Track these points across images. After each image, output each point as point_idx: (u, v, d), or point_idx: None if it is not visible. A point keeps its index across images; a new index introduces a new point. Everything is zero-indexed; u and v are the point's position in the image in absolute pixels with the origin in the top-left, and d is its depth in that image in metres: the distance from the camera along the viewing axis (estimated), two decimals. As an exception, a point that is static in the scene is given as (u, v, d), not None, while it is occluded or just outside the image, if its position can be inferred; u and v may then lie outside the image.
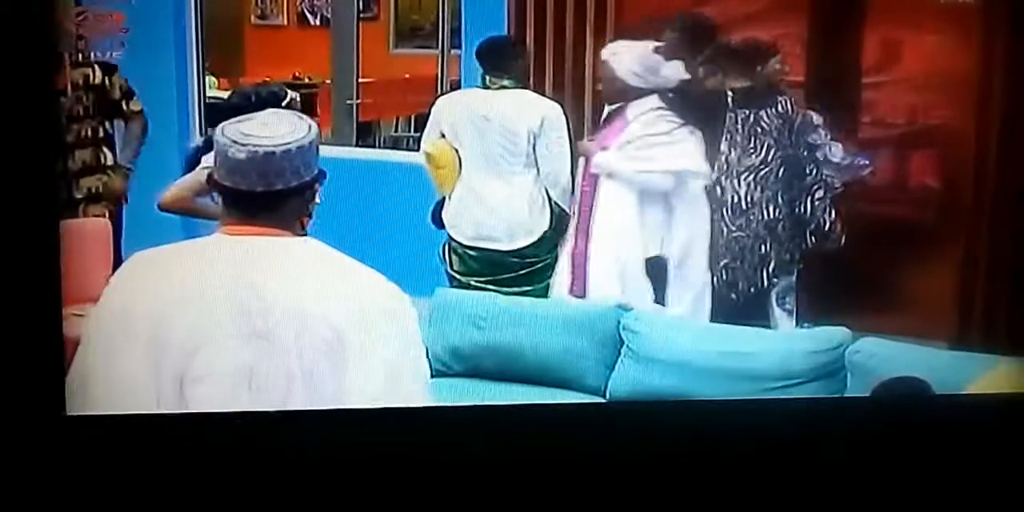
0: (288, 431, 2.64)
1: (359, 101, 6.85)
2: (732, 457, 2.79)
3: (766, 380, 3.64)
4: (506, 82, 4.59)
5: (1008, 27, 4.35)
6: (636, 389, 3.80)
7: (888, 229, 4.86)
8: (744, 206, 4.52)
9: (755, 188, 4.53)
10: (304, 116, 2.19)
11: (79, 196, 4.50)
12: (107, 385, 2.11)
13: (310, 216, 2.23)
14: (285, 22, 9.81)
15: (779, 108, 4.53)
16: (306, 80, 8.91)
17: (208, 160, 3.35)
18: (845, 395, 3.54)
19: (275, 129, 2.12)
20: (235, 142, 2.09)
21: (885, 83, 5.12)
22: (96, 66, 4.72)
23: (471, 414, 2.68)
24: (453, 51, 7.77)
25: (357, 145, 6.86)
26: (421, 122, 9.51)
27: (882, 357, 3.54)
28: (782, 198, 4.52)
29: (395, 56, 9.32)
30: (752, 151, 4.50)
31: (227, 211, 2.14)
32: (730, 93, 4.53)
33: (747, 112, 4.55)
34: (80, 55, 4.65)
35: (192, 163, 4.12)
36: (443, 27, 8.40)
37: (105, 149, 4.59)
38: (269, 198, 2.09)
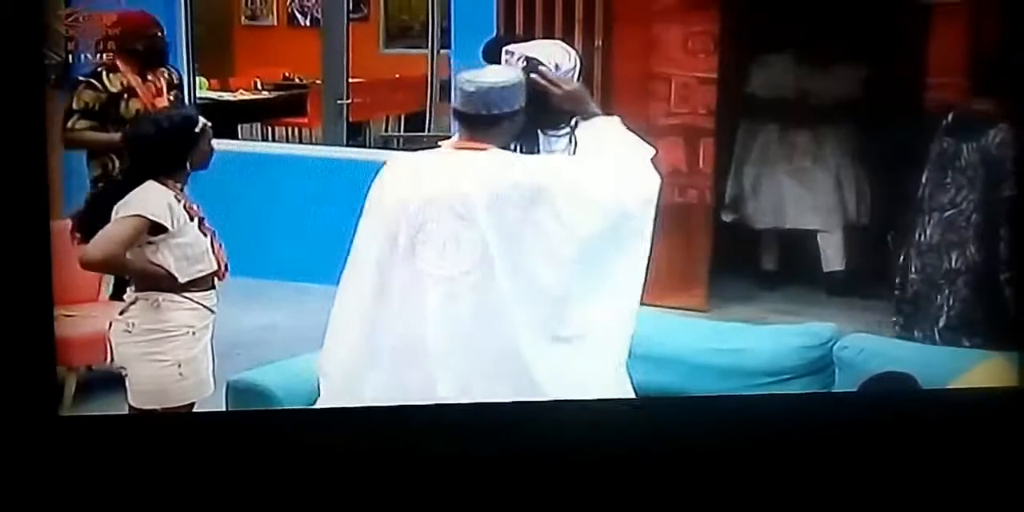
0: (288, 429, 2.65)
1: (349, 101, 6.85)
2: (723, 453, 2.80)
3: (756, 376, 3.64)
4: None
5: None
6: (627, 386, 3.81)
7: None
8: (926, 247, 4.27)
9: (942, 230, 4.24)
10: (518, 70, 3.07)
11: None
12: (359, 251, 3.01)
13: (516, 138, 3.11)
14: (275, 23, 9.82)
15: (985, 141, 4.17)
16: (296, 80, 8.92)
17: (123, 209, 3.23)
18: (833, 390, 3.55)
19: (491, 76, 3.03)
20: (468, 80, 3.01)
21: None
22: None
23: (468, 412, 2.69)
24: (443, 51, 7.76)
25: (347, 145, 6.87)
26: (411, 121, 9.50)
27: (870, 352, 3.54)
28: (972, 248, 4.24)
29: (385, 56, 9.33)
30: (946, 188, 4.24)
31: (460, 130, 3.06)
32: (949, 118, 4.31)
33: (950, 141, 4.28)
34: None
35: (95, 204, 3.48)
36: (433, 27, 8.40)
37: (114, 157, 4.57)
38: (488, 120, 2.99)
